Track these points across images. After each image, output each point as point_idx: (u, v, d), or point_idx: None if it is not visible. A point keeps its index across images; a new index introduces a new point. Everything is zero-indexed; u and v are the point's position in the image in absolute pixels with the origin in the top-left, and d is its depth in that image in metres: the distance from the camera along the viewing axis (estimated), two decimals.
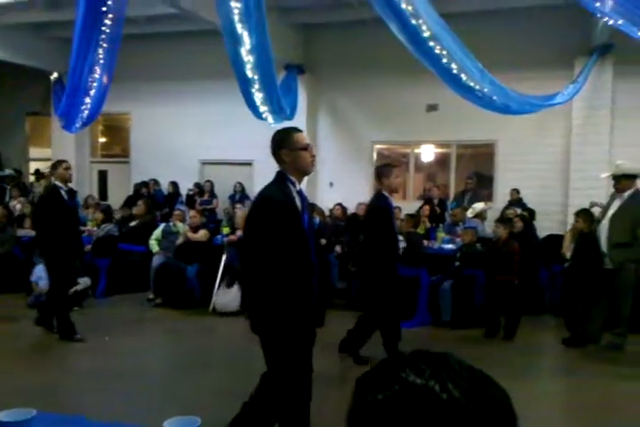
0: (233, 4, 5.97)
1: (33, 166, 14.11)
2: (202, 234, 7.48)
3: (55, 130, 11.93)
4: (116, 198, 12.06)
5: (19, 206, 9.94)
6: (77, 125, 8.16)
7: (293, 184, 2.90)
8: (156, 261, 7.46)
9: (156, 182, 11.82)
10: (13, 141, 13.99)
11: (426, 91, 10.06)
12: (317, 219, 7.38)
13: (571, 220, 6.38)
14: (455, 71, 6.67)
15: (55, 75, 11.64)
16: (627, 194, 5.53)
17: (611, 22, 5.70)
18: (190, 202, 11.24)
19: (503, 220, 6.58)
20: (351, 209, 9.17)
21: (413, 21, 5.98)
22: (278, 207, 2.79)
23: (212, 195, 11.41)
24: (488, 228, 7.80)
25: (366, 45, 10.56)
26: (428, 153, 11.61)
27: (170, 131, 12.16)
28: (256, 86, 7.34)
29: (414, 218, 7.35)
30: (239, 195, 11.27)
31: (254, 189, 10.23)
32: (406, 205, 9.57)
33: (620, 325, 5.52)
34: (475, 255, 6.47)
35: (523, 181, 9.95)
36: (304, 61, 11.13)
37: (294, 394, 2.90)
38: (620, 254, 5.42)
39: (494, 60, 8.13)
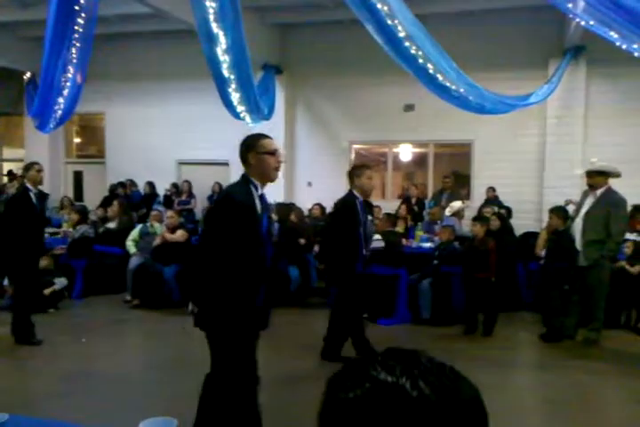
0: (208, 4, 5.94)
1: (6, 167, 13.87)
2: (179, 234, 7.41)
3: (28, 130, 11.75)
4: (91, 199, 11.91)
5: None
6: (51, 126, 8.04)
7: (256, 188, 2.96)
8: (133, 262, 7.39)
9: (132, 183, 11.70)
10: None
11: (403, 91, 10.12)
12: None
13: (546, 217, 6.47)
14: (431, 71, 6.72)
15: (28, 74, 11.45)
16: (599, 192, 5.62)
17: (582, 23, 5.79)
18: (168, 202, 11.14)
19: (480, 218, 6.65)
20: (329, 209, 9.15)
21: (389, 22, 6.01)
22: (238, 206, 2.86)
23: (191, 195, 11.34)
24: (466, 226, 7.87)
25: (343, 46, 10.59)
26: (405, 153, 11.67)
27: (146, 131, 12.04)
28: (233, 86, 7.32)
29: (392, 217, 7.39)
30: (217, 195, 11.20)
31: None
32: (385, 205, 9.62)
33: (595, 320, 5.62)
34: (453, 253, 6.52)
35: (499, 179, 10.06)
36: (281, 61, 11.11)
37: (239, 392, 2.92)
38: (595, 251, 5.50)
39: (469, 60, 8.21)
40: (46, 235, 8.16)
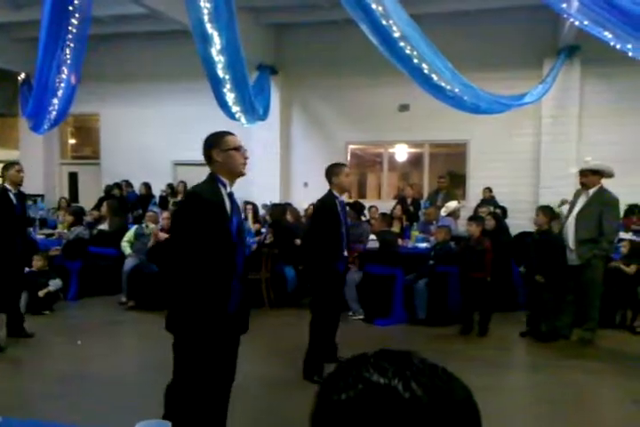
0: (202, 4, 5.93)
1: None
2: None
3: (23, 131, 11.70)
4: (87, 200, 11.87)
5: None
6: (45, 127, 8.01)
7: (224, 186, 2.91)
8: (128, 263, 7.36)
9: (128, 184, 11.67)
10: None
11: (398, 91, 10.12)
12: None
13: None
14: (426, 71, 6.73)
15: (22, 75, 11.41)
16: (592, 191, 5.63)
17: (577, 23, 5.81)
18: (163, 203, 11.11)
19: (475, 218, 6.65)
20: None
21: (384, 22, 6.02)
22: (204, 205, 2.79)
23: None
24: (461, 226, 7.88)
25: (338, 46, 10.59)
26: (401, 153, 11.68)
27: (141, 131, 12.01)
28: (228, 86, 7.30)
29: (387, 217, 7.39)
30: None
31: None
32: (381, 205, 9.63)
33: (590, 320, 5.63)
34: (448, 253, 6.53)
35: (494, 179, 10.08)
36: (276, 62, 11.10)
37: (199, 401, 2.85)
38: (588, 251, 5.51)
39: (464, 60, 8.22)
40: (41, 236, 8.16)
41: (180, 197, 11.21)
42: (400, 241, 7.29)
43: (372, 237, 6.93)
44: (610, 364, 5.05)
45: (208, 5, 5.89)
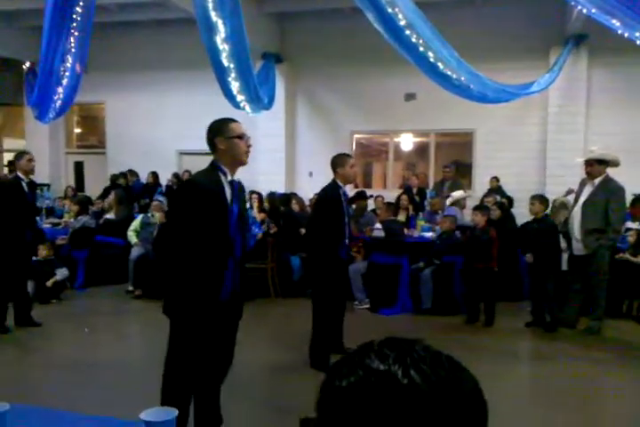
0: None
1: (7, 158, 13.84)
2: None
3: (29, 120, 11.70)
4: (93, 190, 11.90)
5: None
6: (50, 116, 8.00)
7: (225, 174, 2.90)
8: (134, 252, 7.40)
9: (133, 173, 11.68)
10: None
11: (403, 80, 10.06)
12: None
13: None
14: (432, 60, 6.68)
15: (27, 64, 11.39)
16: (597, 180, 5.61)
17: (584, 11, 5.74)
18: (169, 192, 11.11)
19: (480, 207, 6.63)
20: None
21: (390, 10, 5.96)
22: (199, 192, 2.80)
23: None
24: (467, 216, 7.86)
25: (343, 34, 10.52)
26: (407, 142, 11.63)
27: (146, 121, 12.00)
28: (232, 75, 7.27)
29: (392, 206, 7.38)
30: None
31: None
32: (387, 194, 9.61)
33: (597, 309, 5.62)
34: (454, 243, 6.52)
35: (501, 169, 10.03)
36: (281, 50, 11.04)
37: (189, 383, 2.89)
38: (594, 240, 5.50)
39: (470, 49, 8.13)
40: (47, 225, 8.19)
41: None
42: (406, 230, 7.28)
43: (378, 225, 6.92)
44: (615, 354, 5.05)
45: None
